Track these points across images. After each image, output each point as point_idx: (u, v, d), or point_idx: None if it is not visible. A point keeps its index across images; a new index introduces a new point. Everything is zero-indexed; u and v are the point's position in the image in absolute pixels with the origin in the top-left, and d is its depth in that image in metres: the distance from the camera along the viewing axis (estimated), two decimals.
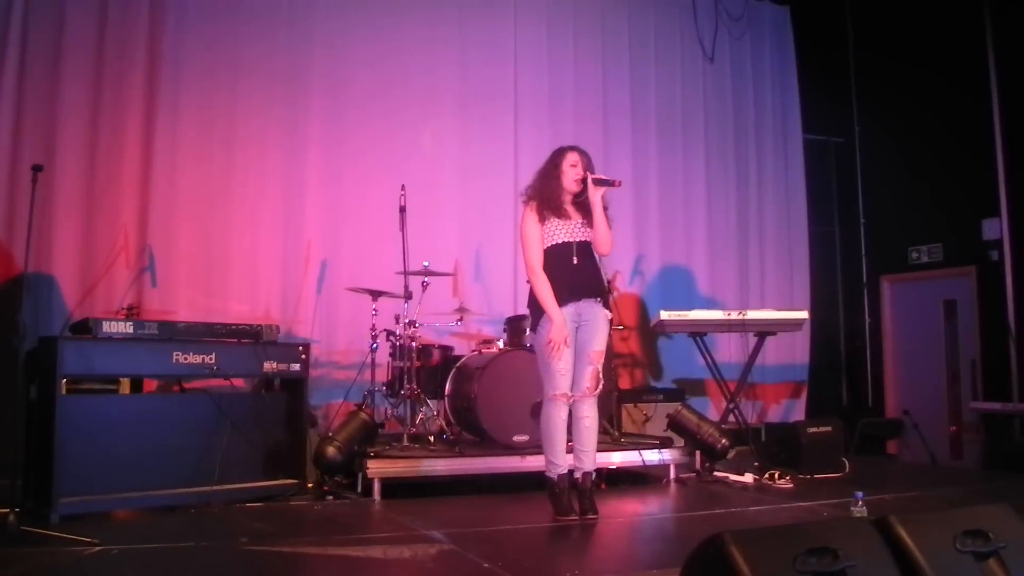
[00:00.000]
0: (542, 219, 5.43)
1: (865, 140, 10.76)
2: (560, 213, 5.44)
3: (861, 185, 10.78)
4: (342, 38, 8.54)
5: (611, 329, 5.69)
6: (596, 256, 5.55)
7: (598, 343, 5.45)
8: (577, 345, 5.41)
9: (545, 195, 5.45)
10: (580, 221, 5.47)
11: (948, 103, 9.46)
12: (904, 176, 10.09)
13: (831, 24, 10.88)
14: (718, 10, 10.44)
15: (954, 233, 9.51)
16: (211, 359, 5.83)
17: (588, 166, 5.50)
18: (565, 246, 5.40)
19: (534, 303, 5.47)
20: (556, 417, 5.37)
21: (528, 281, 5.65)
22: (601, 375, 5.48)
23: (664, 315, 8.11)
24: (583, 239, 5.44)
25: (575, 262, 5.40)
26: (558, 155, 5.54)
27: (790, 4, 10.84)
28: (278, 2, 8.34)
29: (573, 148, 5.56)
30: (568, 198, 5.49)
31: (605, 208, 5.50)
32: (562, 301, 5.36)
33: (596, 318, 5.46)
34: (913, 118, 9.91)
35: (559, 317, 5.30)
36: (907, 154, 10.04)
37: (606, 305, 5.56)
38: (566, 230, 5.42)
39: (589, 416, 5.44)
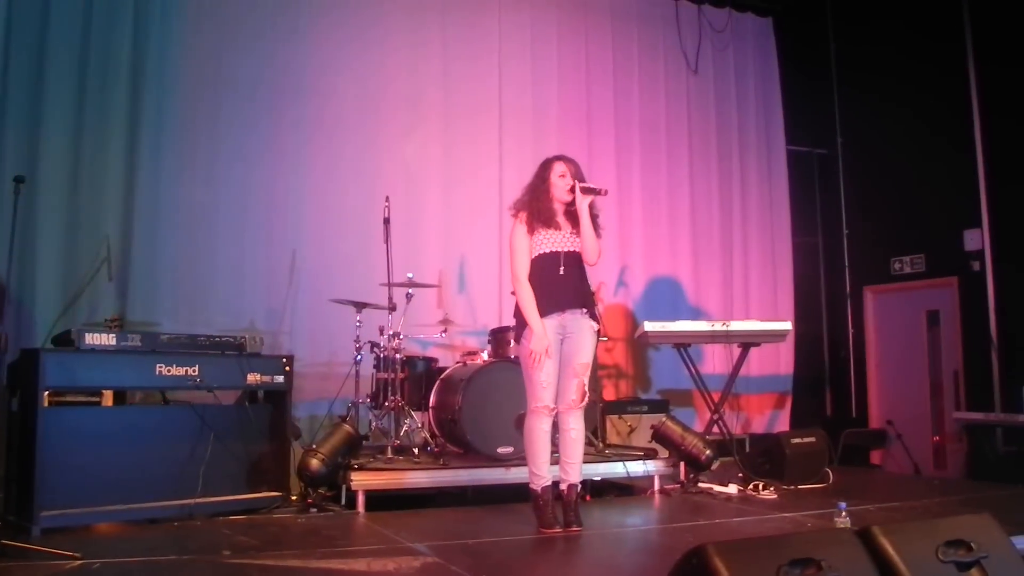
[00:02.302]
0: (531, 230, 5.42)
1: (848, 151, 10.80)
2: (551, 224, 5.43)
3: (844, 196, 10.81)
4: (326, 51, 8.54)
5: (597, 340, 5.68)
6: (584, 267, 5.55)
7: (584, 355, 5.45)
8: (562, 357, 5.41)
9: (535, 208, 5.43)
10: (570, 231, 5.47)
11: (930, 114, 9.50)
12: (886, 187, 10.13)
13: (814, 35, 10.93)
14: (701, 21, 10.48)
15: (936, 244, 9.55)
16: (194, 371, 5.81)
17: (576, 174, 5.50)
18: (552, 256, 5.40)
19: (519, 314, 5.47)
20: (538, 429, 5.37)
21: (513, 292, 5.66)
22: (587, 387, 5.48)
23: (648, 326, 8.11)
24: (571, 249, 5.44)
25: (561, 272, 5.39)
26: (545, 167, 5.53)
27: (773, 16, 10.89)
28: (262, 15, 8.33)
29: (559, 158, 5.56)
30: (560, 208, 5.49)
31: (596, 216, 5.52)
32: (546, 311, 5.35)
33: (582, 330, 5.46)
34: (895, 129, 9.95)
35: (539, 328, 5.30)
36: (889, 165, 10.08)
37: (593, 316, 5.55)
38: (554, 240, 5.42)
39: (575, 428, 5.45)
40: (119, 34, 7.73)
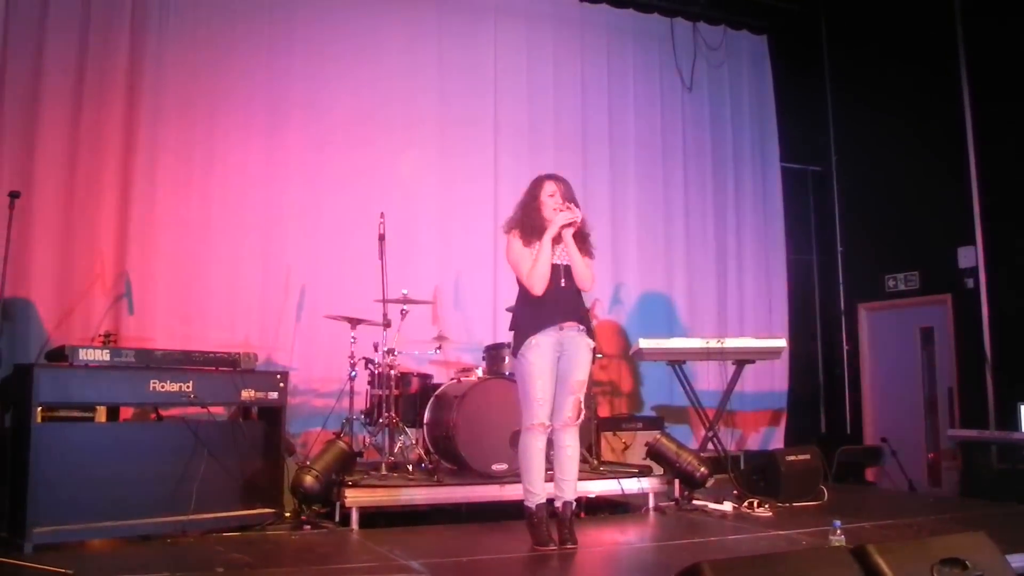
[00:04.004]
0: (528, 244, 5.42)
1: (842, 169, 10.83)
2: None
3: (838, 213, 10.85)
4: (322, 66, 8.57)
5: (593, 358, 5.66)
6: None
7: (580, 372, 5.42)
8: (559, 374, 5.39)
9: (528, 224, 5.43)
10: (563, 247, 5.47)
11: (923, 132, 9.55)
12: (880, 204, 10.17)
13: (808, 53, 10.98)
14: (696, 39, 10.52)
15: (930, 261, 9.57)
16: (188, 387, 5.78)
17: (566, 193, 5.49)
18: (553, 268, 5.39)
19: (517, 327, 5.45)
20: (533, 446, 5.35)
21: (508, 309, 5.65)
22: (583, 405, 5.46)
23: (643, 343, 8.11)
24: (568, 263, 5.45)
25: (562, 284, 5.39)
26: (536, 186, 5.54)
27: (768, 33, 10.94)
28: (258, 31, 8.37)
29: (550, 177, 5.55)
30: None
31: (588, 236, 5.52)
32: (544, 325, 5.33)
33: (578, 347, 5.43)
34: (889, 147, 9.99)
35: (552, 232, 5.32)
36: (883, 183, 10.11)
37: (589, 334, 5.53)
38: (553, 253, 5.42)
39: (571, 446, 5.43)
40: (115, 49, 7.77)
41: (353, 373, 7.16)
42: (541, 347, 5.33)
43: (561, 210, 5.39)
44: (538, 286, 5.34)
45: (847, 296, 10.72)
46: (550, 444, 5.46)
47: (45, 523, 5.12)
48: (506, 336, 5.90)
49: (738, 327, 10.10)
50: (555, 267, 5.39)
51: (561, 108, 9.70)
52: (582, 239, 5.51)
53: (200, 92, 8.07)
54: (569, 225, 5.39)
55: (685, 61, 10.44)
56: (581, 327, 5.46)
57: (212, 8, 8.22)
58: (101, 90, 7.68)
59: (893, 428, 9.82)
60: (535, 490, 5.38)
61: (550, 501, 5.47)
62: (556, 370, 5.38)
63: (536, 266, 5.33)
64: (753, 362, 8.54)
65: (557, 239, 5.40)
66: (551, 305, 5.37)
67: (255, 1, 8.41)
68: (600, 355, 8.34)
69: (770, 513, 6.78)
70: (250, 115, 8.24)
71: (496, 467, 6.61)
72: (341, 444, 6.38)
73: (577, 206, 5.44)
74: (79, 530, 5.31)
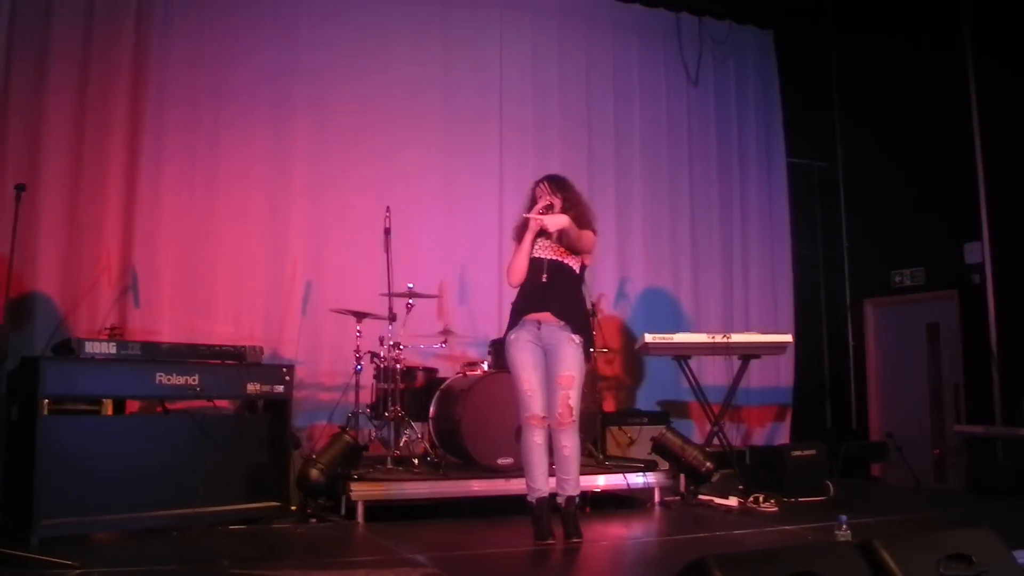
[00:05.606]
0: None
1: (848, 164, 10.80)
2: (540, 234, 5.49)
3: (844, 208, 10.82)
4: (327, 61, 8.55)
5: (592, 352, 5.62)
6: (578, 281, 5.55)
7: (565, 368, 5.37)
8: (547, 370, 5.42)
9: (524, 229, 5.53)
10: (556, 240, 5.49)
11: (930, 127, 9.51)
12: (887, 200, 10.14)
13: (814, 48, 10.93)
14: (702, 34, 10.49)
15: (936, 257, 9.55)
16: (194, 380, 5.79)
17: (553, 188, 5.53)
18: (536, 261, 5.47)
19: (512, 317, 5.54)
20: (531, 441, 5.36)
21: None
22: (573, 402, 5.37)
23: (648, 338, 8.10)
24: (554, 258, 5.48)
25: (544, 279, 5.43)
26: (532, 192, 5.65)
27: (773, 28, 10.90)
28: (263, 25, 8.36)
29: (540, 181, 5.65)
30: None
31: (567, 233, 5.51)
32: (520, 315, 5.46)
33: (560, 343, 5.40)
34: (895, 142, 9.96)
35: (527, 248, 5.45)
36: (890, 178, 10.08)
37: (581, 331, 5.47)
38: (540, 248, 5.49)
39: (568, 446, 5.39)
40: (120, 42, 7.76)
41: (358, 367, 7.17)
42: (519, 341, 5.46)
43: (540, 212, 5.47)
44: (512, 277, 5.54)
45: (853, 291, 10.69)
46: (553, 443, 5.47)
47: (51, 516, 5.15)
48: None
49: (743, 322, 10.07)
50: (539, 260, 5.48)
51: (566, 102, 9.66)
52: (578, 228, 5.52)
53: (205, 86, 8.06)
54: (543, 213, 5.44)
55: (691, 56, 10.41)
56: (562, 322, 5.43)
57: (216, 4, 8.21)
58: (106, 84, 7.68)
59: (899, 423, 9.80)
60: (535, 484, 5.38)
61: (555, 495, 5.47)
62: (542, 365, 5.43)
63: (514, 257, 5.50)
64: (759, 357, 8.54)
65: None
66: (529, 299, 5.48)
67: None
68: (605, 350, 8.36)
69: (775, 508, 6.78)
70: (255, 110, 8.23)
71: (501, 461, 6.61)
72: (347, 438, 6.39)
73: (565, 195, 5.52)
74: (85, 523, 5.33)
